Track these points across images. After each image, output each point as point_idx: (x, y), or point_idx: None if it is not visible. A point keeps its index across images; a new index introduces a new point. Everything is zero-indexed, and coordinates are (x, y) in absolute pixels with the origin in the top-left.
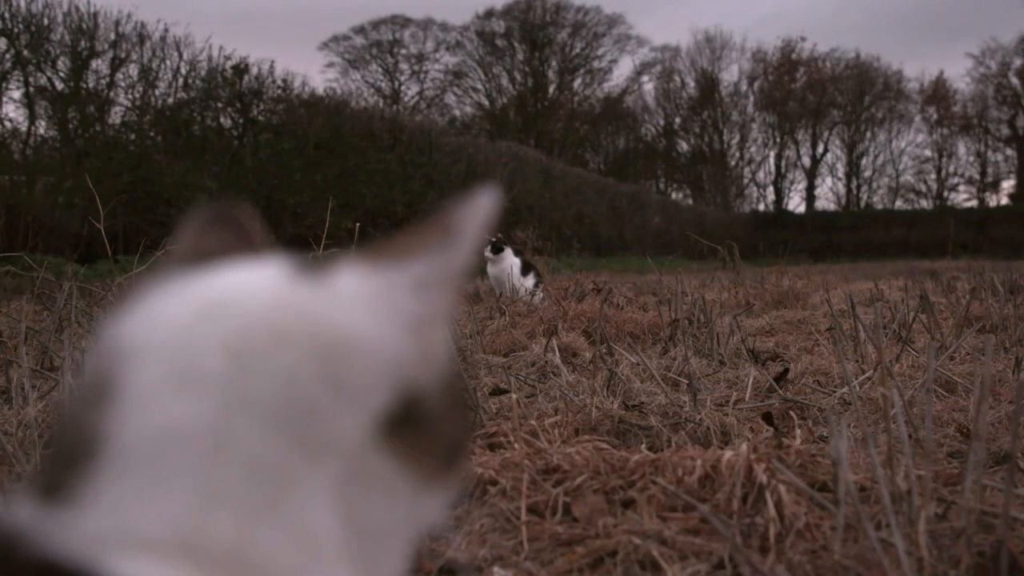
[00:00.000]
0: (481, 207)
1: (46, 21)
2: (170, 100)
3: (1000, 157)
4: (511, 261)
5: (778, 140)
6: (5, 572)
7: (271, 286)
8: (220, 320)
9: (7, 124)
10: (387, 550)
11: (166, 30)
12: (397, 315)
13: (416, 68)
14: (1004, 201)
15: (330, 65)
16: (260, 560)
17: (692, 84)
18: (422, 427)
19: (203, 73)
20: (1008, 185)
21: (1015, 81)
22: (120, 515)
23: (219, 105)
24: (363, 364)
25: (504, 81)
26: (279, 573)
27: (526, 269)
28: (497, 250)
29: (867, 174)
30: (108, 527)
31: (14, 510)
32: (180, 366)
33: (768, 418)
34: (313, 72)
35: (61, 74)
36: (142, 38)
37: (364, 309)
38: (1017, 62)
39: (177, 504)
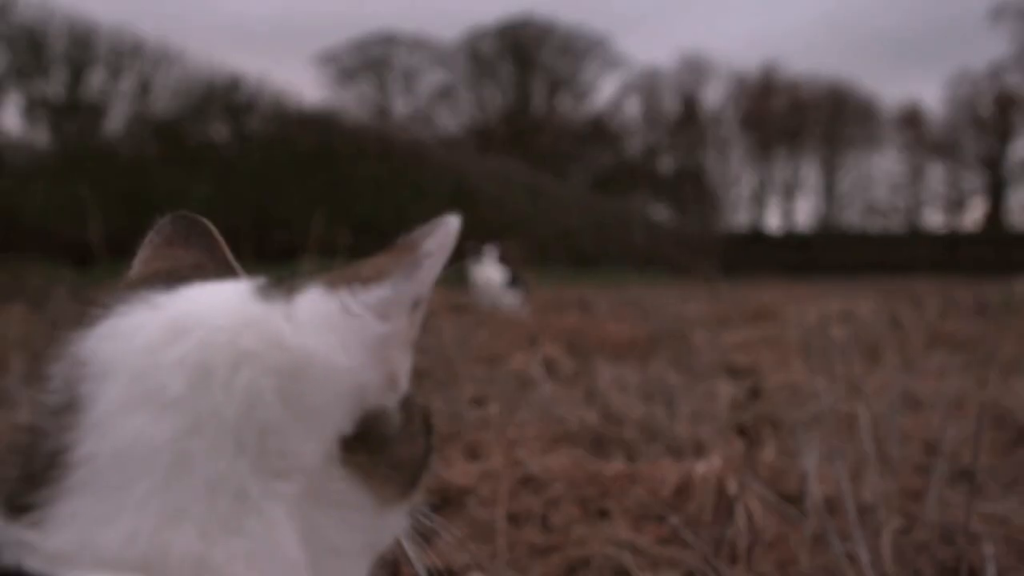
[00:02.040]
0: (447, 231)
1: (44, 31)
2: (165, 111)
3: (971, 182)
4: (495, 273)
5: (757, 160)
6: None
7: (234, 306)
8: (183, 340)
9: (4, 133)
10: (348, 567)
11: (162, 42)
12: (359, 337)
13: (406, 84)
14: (974, 224)
15: (321, 79)
16: None
17: (674, 104)
18: (383, 448)
19: (198, 85)
20: (978, 208)
21: (987, 107)
22: (81, 532)
23: (213, 117)
24: (323, 386)
25: (492, 98)
26: None
27: (513, 281)
28: (481, 261)
29: (842, 195)
30: (70, 543)
31: None
32: (143, 385)
33: (741, 431)
34: (305, 86)
35: (58, 85)
36: (138, 50)
37: (326, 331)
38: (989, 88)
39: (138, 521)
